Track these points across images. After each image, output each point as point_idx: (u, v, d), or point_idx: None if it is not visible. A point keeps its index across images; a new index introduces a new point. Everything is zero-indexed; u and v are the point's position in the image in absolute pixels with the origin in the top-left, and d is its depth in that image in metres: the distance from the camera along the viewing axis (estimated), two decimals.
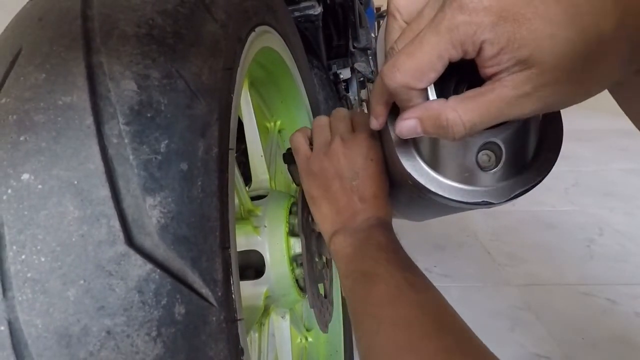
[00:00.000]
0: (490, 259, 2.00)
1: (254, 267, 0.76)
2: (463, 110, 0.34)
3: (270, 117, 1.12)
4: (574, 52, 0.29)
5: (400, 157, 0.44)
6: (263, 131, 1.10)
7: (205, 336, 0.37)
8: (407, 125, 0.38)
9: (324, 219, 0.59)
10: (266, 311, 0.81)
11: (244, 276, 0.75)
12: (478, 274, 1.88)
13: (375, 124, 0.47)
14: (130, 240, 0.35)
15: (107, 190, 0.35)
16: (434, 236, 2.22)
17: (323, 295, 0.82)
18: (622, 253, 2.00)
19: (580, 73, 0.31)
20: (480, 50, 0.32)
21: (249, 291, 0.74)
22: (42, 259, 0.33)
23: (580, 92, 0.33)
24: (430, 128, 0.37)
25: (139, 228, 0.35)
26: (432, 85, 0.36)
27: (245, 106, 0.84)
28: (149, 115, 0.37)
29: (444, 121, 0.35)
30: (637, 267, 1.88)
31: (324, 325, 0.81)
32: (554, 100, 0.33)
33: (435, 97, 0.37)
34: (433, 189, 0.43)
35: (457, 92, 0.38)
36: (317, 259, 0.79)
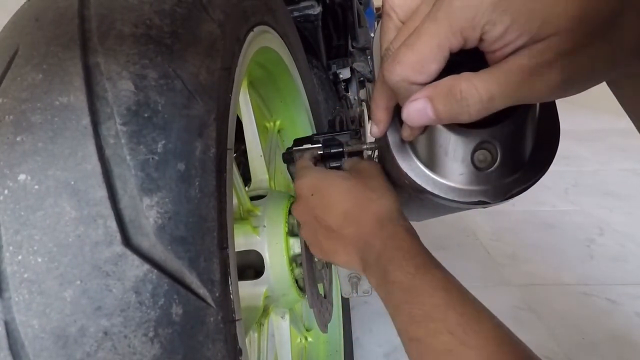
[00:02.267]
0: (490, 259, 2.00)
1: (253, 267, 0.76)
2: (478, 80, 0.31)
3: (270, 117, 1.12)
4: (593, 11, 0.27)
5: (396, 158, 0.44)
6: (263, 131, 1.10)
7: (202, 336, 0.37)
8: (415, 107, 0.34)
9: (348, 260, 0.54)
10: (265, 311, 0.81)
11: (243, 276, 0.75)
12: (478, 274, 1.88)
13: (376, 130, 0.45)
14: (127, 241, 0.35)
15: (103, 190, 0.35)
16: (434, 236, 2.22)
17: (322, 295, 0.82)
18: (622, 253, 2.00)
19: (606, 32, 0.28)
20: (483, 34, 0.30)
21: (248, 291, 0.74)
22: (39, 260, 0.33)
23: (608, 57, 0.29)
24: (442, 105, 0.33)
25: (136, 228, 0.35)
26: None
27: (245, 106, 0.84)
28: (146, 115, 0.37)
29: (458, 93, 0.32)
30: (637, 267, 1.87)
31: (324, 326, 0.81)
32: (581, 69, 0.30)
33: None
34: (429, 189, 0.43)
35: None
36: (316, 259, 0.79)
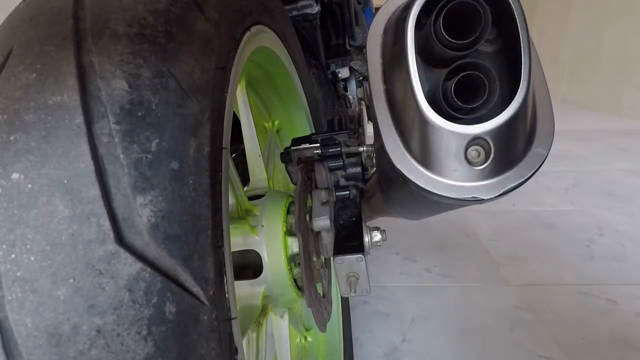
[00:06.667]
0: (490, 259, 2.00)
1: (251, 266, 0.76)
2: None
3: (269, 116, 1.12)
4: None
5: (390, 155, 0.44)
6: (261, 131, 1.10)
7: (196, 335, 0.37)
8: None
9: None
10: (264, 311, 0.81)
11: (242, 276, 0.75)
12: (478, 274, 1.88)
13: None
14: (120, 239, 0.35)
15: (97, 189, 0.35)
16: (434, 236, 2.22)
17: (321, 294, 0.82)
18: (622, 253, 2.00)
19: None
20: None
21: (246, 291, 0.74)
22: (32, 258, 0.33)
23: None
24: None
25: (129, 227, 0.35)
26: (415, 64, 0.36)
27: (243, 106, 0.84)
28: (139, 114, 0.37)
29: None
30: (637, 267, 1.87)
31: (322, 325, 0.81)
32: None
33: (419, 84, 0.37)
34: (423, 186, 0.43)
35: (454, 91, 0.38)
36: (315, 259, 0.79)
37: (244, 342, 0.76)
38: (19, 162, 0.35)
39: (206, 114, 0.42)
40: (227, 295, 0.42)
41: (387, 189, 0.57)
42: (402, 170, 0.44)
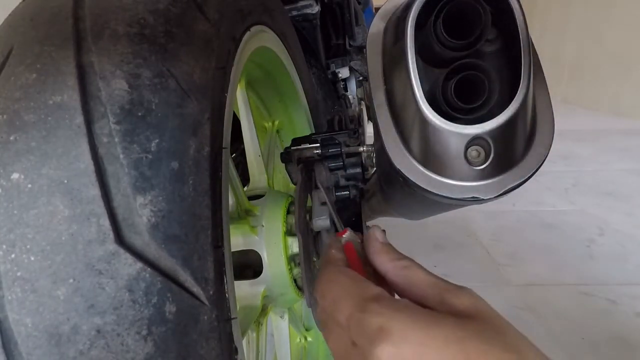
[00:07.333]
0: (490, 259, 2.00)
1: (251, 266, 0.76)
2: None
3: (268, 116, 1.12)
4: None
5: (390, 154, 0.44)
6: (261, 131, 1.10)
7: (196, 335, 0.37)
8: None
9: None
10: (264, 311, 0.81)
11: (242, 276, 0.75)
12: (478, 274, 1.88)
13: None
14: (120, 239, 0.35)
15: (97, 189, 0.35)
16: (434, 236, 2.22)
17: None
18: (622, 253, 2.00)
19: None
20: None
21: (246, 291, 0.74)
22: (32, 258, 0.33)
23: None
24: None
25: (129, 227, 0.35)
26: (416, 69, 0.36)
27: (243, 106, 0.84)
28: (139, 114, 0.37)
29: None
30: (637, 267, 1.87)
31: None
32: None
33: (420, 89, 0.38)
34: (422, 185, 0.43)
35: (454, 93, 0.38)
36: (315, 259, 0.79)
37: (244, 342, 0.76)
38: (19, 162, 0.35)
39: (206, 114, 0.42)
40: (227, 295, 0.42)
41: (387, 189, 0.57)
42: (402, 170, 0.44)
